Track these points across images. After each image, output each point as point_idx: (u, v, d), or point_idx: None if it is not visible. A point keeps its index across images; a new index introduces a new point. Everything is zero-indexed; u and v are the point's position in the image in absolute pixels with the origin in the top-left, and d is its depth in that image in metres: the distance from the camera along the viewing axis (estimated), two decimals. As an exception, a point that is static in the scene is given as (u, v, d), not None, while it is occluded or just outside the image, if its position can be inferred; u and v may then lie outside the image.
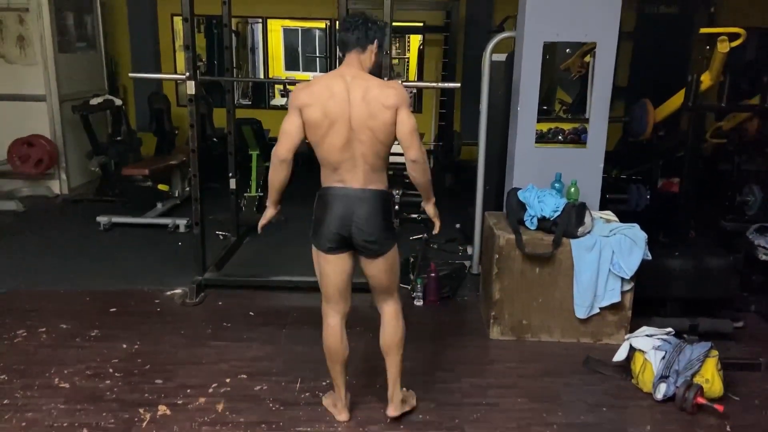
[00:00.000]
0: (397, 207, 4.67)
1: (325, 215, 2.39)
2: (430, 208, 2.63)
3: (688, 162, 4.06)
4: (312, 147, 2.41)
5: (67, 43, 6.35)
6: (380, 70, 3.15)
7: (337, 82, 2.33)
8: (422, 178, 2.45)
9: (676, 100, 4.41)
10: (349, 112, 2.30)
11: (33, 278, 4.16)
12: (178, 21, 3.38)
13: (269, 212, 2.60)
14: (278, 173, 2.43)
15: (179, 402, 2.75)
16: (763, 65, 4.73)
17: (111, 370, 3.00)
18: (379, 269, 2.47)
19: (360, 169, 2.36)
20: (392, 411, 2.62)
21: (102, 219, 5.19)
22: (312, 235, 2.46)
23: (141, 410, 2.69)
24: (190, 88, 3.71)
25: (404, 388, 2.69)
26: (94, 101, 6.09)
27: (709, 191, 4.87)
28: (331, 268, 2.46)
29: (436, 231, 2.69)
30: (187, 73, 3.70)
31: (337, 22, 7.37)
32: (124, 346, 3.24)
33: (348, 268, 2.48)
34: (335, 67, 8.40)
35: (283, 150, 2.38)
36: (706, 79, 4.04)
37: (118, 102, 6.44)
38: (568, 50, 3.58)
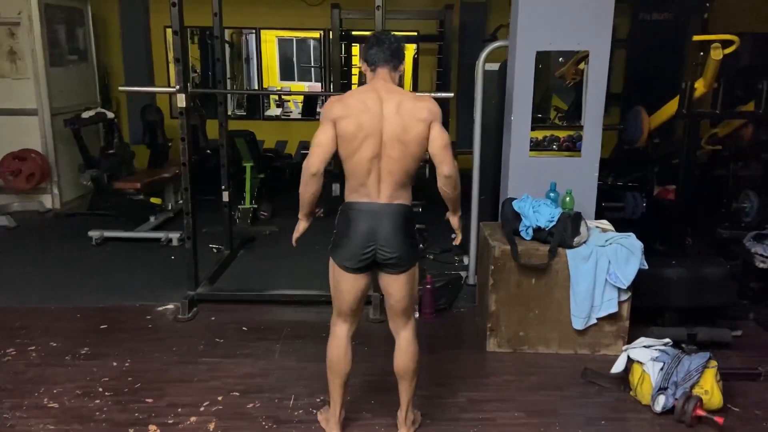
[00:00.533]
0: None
1: (349, 232, 2.34)
2: (455, 220, 2.62)
3: (683, 169, 4.04)
4: (341, 160, 2.38)
5: (58, 57, 6.32)
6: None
7: (371, 96, 2.31)
8: (453, 193, 2.45)
9: (671, 107, 4.40)
10: (382, 126, 2.28)
11: (23, 295, 4.10)
12: (171, 33, 3.36)
13: (302, 226, 2.58)
14: (310, 187, 2.37)
15: (170, 421, 2.70)
16: (757, 72, 4.72)
17: (101, 389, 2.95)
18: (400, 287, 2.42)
19: (387, 183, 2.32)
20: None
21: (94, 233, 5.15)
22: (331, 248, 2.42)
23: (131, 430, 2.63)
24: (181, 100, 3.68)
25: None
26: (86, 114, 6.05)
27: (705, 198, 4.85)
28: (347, 286, 2.42)
29: (456, 242, 2.71)
30: (178, 86, 3.67)
31: (331, 33, 7.41)
32: (115, 363, 3.19)
33: (363, 287, 2.44)
34: (330, 78, 8.38)
35: (316, 162, 2.31)
36: (700, 86, 4.03)
37: (111, 115, 6.40)
38: (561, 59, 3.57)
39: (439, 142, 2.33)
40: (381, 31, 2.55)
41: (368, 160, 2.29)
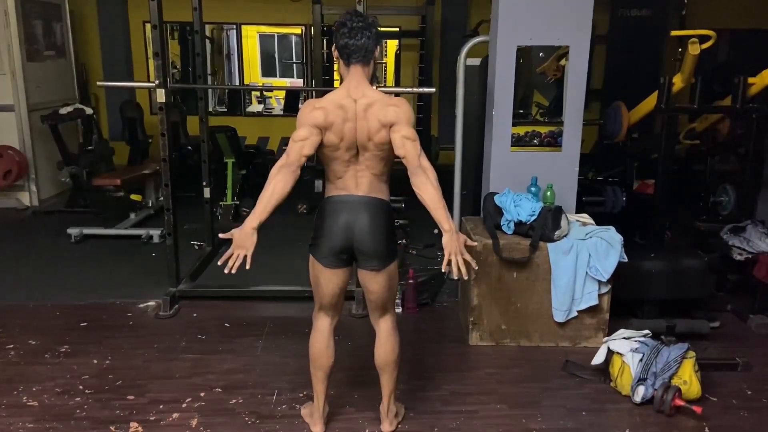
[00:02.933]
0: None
1: (328, 226, 2.32)
2: (446, 224, 2.23)
3: (662, 164, 4.08)
4: (321, 159, 2.34)
5: (35, 52, 6.23)
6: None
7: (348, 102, 2.24)
8: (434, 194, 2.20)
9: (650, 102, 4.44)
10: (356, 130, 2.24)
11: (1, 293, 4.04)
12: (150, 28, 3.32)
13: (249, 240, 2.38)
14: (282, 176, 2.21)
15: (152, 418, 2.68)
16: (734, 67, 4.78)
17: (81, 387, 2.92)
18: (379, 284, 2.40)
19: (364, 177, 2.31)
20: (387, 427, 2.58)
21: (73, 231, 5.09)
22: (311, 244, 2.40)
23: (112, 428, 2.61)
24: (161, 96, 3.64)
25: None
26: (64, 110, 5.98)
27: (683, 192, 4.91)
28: (326, 281, 2.40)
29: (472, 244, 2.36)
30: (157, 81, 3.63)
31: (312, 28, 7.38)
32: (95, 361, 3.16)
33: (343, 282, 2.42)
34: (312, 74, 8.29)
35: (295, 154, 2.20)
36: (678, 81, 4.07)
37: (89, 111, 6.33)
38: (541, 54, 3.59)
39: (403, 148, 2.21)
40: (353, 15, 2.28)
41: (346, 160, 2.29)
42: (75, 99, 6.81)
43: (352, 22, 2.26)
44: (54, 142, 5.91)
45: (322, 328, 2.50)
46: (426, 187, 2.21)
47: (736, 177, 4.50)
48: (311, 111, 2.24)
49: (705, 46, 3.94)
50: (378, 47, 2.33)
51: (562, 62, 3.58)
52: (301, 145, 2.24)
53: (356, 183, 2.32)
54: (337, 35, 2.28)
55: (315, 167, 7.02)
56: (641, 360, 2.85)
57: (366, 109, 2.24)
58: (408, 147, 2.22)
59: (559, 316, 3.31)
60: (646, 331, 3.08)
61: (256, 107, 9.42)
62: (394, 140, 2.23)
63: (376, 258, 2.34)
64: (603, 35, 7.49)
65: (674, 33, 4.28)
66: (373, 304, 2.48)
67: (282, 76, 10.96)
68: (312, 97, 2.39)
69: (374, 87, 2.36)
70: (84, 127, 6.53)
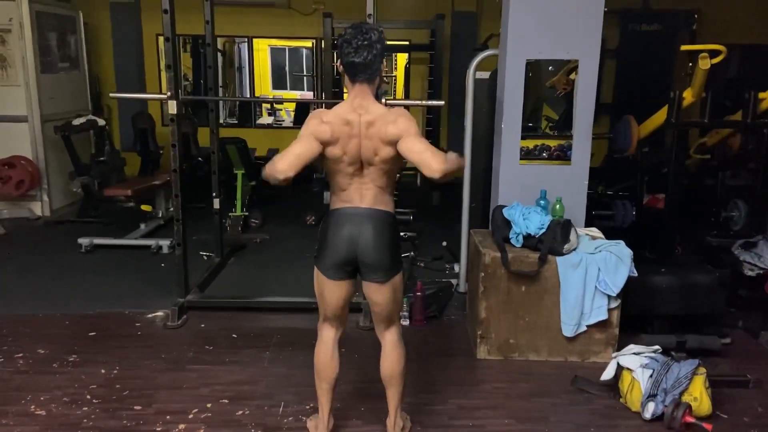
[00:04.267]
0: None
1: (332, 238, 2.32)
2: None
3: (672, 178, 4.07)
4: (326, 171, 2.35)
5: (49, 64, 6.31)
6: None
7: (354, 117, 2.24)
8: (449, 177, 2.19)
9: (660, 116, 4.43)
10: (360, 146, 2.25)
11: (11, 302, 4.07)
12: (162, 41, 3.39)
13: None
14: (273, 182, 2.18)
15: (158, 429, 2.68)
16: (745, 81, 4.77)
17: (89, 397, 2.92)
18: (384, 296, 2.39)
19: (369, 191, 2.31)
20: None
21: (83, 241, 5.12)
22: (316, 256, 2.40)
23: (119, 438, 2.62)
24: (172, 107, 3.67)
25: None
26: (77, 121, 6.04)
27: (694, 207, 4.89)
28: (330, 293, 2.40)
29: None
30: (169, 93, 3.66)
31: (323, 41, 7.44)
32: (103, 371, 3.17)
33: (347, 294, 2.42)
34: (322, 87, 8.36)
35: (286, 167, 2.14)
36: (688, 96, 4.06)
37: (102, 122, 6.39)
38: (551, 68, 3.59)
39: (415, 151, 2.18)
40: (357, 32, 2.23)
41: (350, 173, 2.30)
42: (88, 110, 6.89)
43: (357, 40, 2.22)
44: (66, 152, 5.98)
45: (327, 339, 2.50)
46: None
47: (748, 192, 4.47)
48: (319, 125, 2.24)
49: (715, 60, 3.93)
50: (382, 66, 2.31)
51: (572, 76, 3.58)
52: (295, 160, 2.18)
53: (361, 195, 2.32)
54: (341, 52, 2.26)
55: (323, 179, 7.05)
56: (651, 376, 2.82)
57: (368, 126, 2.24)
58: (426, 160, 2.15)
59: (568, 331, 3.29)
60: (657, 347, 3.04)
61: (266, 119, 9.49)
62: (412, 159, 2.19)
63: (381, 270, 2.34)
64: (613, 50, 7.50)
65: (684, 47, 4.28)
66: (378, 316, 2.48)
67: (292, 88, 11.05)
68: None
69: (383, 101, 2.36)
70: (96, 138, 6.60)
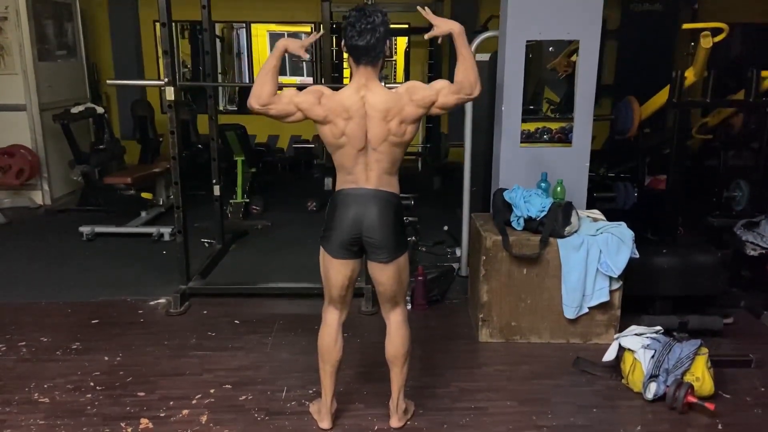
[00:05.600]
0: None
1: (338, 218, 2.34)
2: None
3: (674, 159, 4.05)
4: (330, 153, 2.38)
5: (47, 52, 6.28)
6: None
7: (355, 101, 2.26)
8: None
9: (661, 96, 4.40)
10: (367, 130, 2.26)
11: (13, 291, 4.08)
12: (159, 26, 3.36)
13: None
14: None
15: (162, 414, 2.69)
16: (747, 60, 4.73)
17: (92, 384, 2.93)
18: (388, 276, 2.41)
19: (374, 171, 2.32)
20: (396, 422, 2.58)
21: (85, 229, 5.12)
22: (321, 237, 2.41)
23: (123, 424, 2.62)
24: (170, 94, 3.65)
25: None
26: (75, 110, 6.02)
27: (696, 188, 4.87)
28: (335, 273, 2.41)
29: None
30: (166, 79, 3.64)
31: (322, 26, 7.38)
32: (106, 358, 3.18)
33: (352, 274, 2.43)
34: (321, 72, 8.28)
35: (276, 103, 2.29)
36: (690, 75, 4.03)
37: (100, 110, 6.37)
38: (551, 49, 3.56)
39: (439, 95, 2.31)
40: (361, 15, 2.24)
41: (354, 155, 2.30)
42: (86, 98, 6.86)
43: (360, 23, 2.23)
44: (66, 141, 5.96)
45: (331, 321, 2.50)
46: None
47: (750, 172, 4.45)
48: (314, 105, 2.28)
49: (717, 39, 3.90)
50: (385, 49, 2.31)
51: (573, 58, 3.55)
52: (287, 106, 2.30)
53: (366, 176, 2.33)
54: (345, 34, 2.27)
55: (324, 165, 7.03)
56: (653, 356, 2.82)
57: (379, 108, 2.25)
58: (445, 98, 2.32)
59: (570, 313, 3.29)
60: (658, 328, 3.04)
61: (266, 105, 9.44)
62: (435, 105, 2.32)
63: (386, 249, 2.35)
64: (614, 30, 7.44)
65: (686, 26, 4.24)
66: (382, 296, 2.49)
67: (292, 74, 10.97)
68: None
69: (382, 84, 2.36)
70: (95, 126, 6.58)
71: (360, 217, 2.31)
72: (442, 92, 2.33)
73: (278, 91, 2.33)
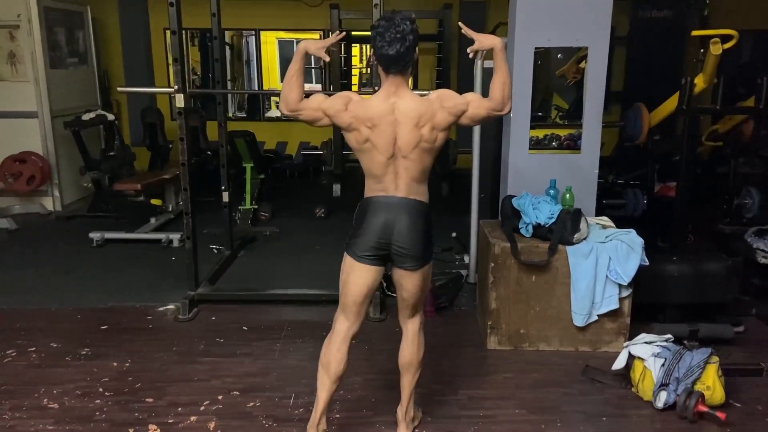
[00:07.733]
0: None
1: (368, 223, 2.33)
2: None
3: (684, 166, 4.02)
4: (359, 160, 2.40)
5: (58, 59, 6.33)
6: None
7: (384, 108, 2.26)
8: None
9: (671, 103, 4.38)
10: (397, 137, 2.26)
11: (24, 297, 4.10)
12: (169, 34, 3.41)
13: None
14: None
15: (170, 421, 2.69)
16: (757, 67, 4.71)
17: (101, 389, 2.94)
18: (414, 284, 2.40)
19: (403, 179, 2.31)
20: (404, 430, 2.56)
21: (94, 235, 5.15)
22: (348, 242, 2.39)
23: (131, 430, 2.62)
24: (180, 101, 3.68)
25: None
26: (86, 116, 6.07)
27: (706, 195, 4.84)
28: (356, 278, 2.38)
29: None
30: (176, 86, 3.66)
31: (330, 33, 7.41)
32: (115, 364, 3.19)
33: (373, 283, 2.41)
34: (330, 79, 8.27)
35: (293, 101, 2.35)
36: (699, 82, 4.01)
37: (111, 117, 6.42)
38: (560, 55, 3.56)
39: (470, 105, 2.33)
40: (390, 20, 2.24)
41: (383, 162, 2.29)
42: (97, 105, 6.91)
43: (390, 33, 2.22)
44: (76, 147, 6.01)
45: (340, 331, 2.46)
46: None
47: (760, 179, 4.42)
48: (340, 112, 2.29)
49: (727, 46, 3.88)
50: (415, 55, 2.33)
51: (582, 65, 3.54)
52: (315, 111, 2.35)
53: (396, 185, 2.32)
54: (374, 43, 2.28)
55: (333, 171, 7.04)
56: (663, 365, 2.80)
57: (409, 115, 2.25)
58: (476, 109, 2.34)
59: (579, 321, 3.27)
60: (669, 336, 3.02)
61: (274, 112, 9.47)
62: (465, 115, 2.34)
63: (413, 258, 2.34)
64: (623, 36, 7.42)
65: (696, 33, 4.21)
66: (404, 303, 2.48)
67: (300, 80, 11.03)
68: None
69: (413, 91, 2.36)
70: (106, 132, 6.62)
71: (390, 225, 2.30)
72: (473, 103, 2.34)
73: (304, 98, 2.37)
